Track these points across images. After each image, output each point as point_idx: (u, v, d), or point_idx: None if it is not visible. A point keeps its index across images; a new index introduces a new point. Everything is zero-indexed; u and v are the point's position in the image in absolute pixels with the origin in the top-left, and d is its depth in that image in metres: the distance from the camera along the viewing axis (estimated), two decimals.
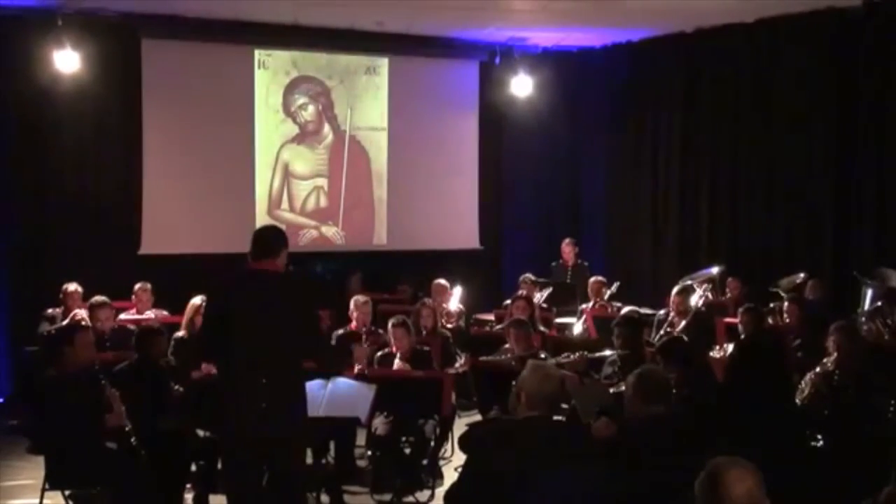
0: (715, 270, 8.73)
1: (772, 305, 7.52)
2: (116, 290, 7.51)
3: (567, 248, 10.01)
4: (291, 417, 4.35)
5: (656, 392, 3.75)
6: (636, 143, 10.56)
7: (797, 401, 5.35)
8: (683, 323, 7.52)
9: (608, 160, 10.86)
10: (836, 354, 5.44)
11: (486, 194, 10.90)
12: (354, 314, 7.11)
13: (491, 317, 8.77)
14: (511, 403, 3.88)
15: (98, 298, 6.98)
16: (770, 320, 7.29)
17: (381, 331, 7.07)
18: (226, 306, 4.41)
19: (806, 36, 8.70)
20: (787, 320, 7.00)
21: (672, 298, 7.74)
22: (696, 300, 7.91)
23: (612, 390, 5.01)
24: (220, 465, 5.87)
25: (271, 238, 4.50)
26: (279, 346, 4.30)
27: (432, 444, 6.02)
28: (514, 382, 3.84)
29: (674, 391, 4.74)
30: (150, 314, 7.60)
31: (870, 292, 7.45)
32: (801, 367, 5.70)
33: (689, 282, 8.31)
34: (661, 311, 8.03)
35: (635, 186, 10.58)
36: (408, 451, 6.00)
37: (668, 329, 7.56)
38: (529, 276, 9.30)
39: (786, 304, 7.18)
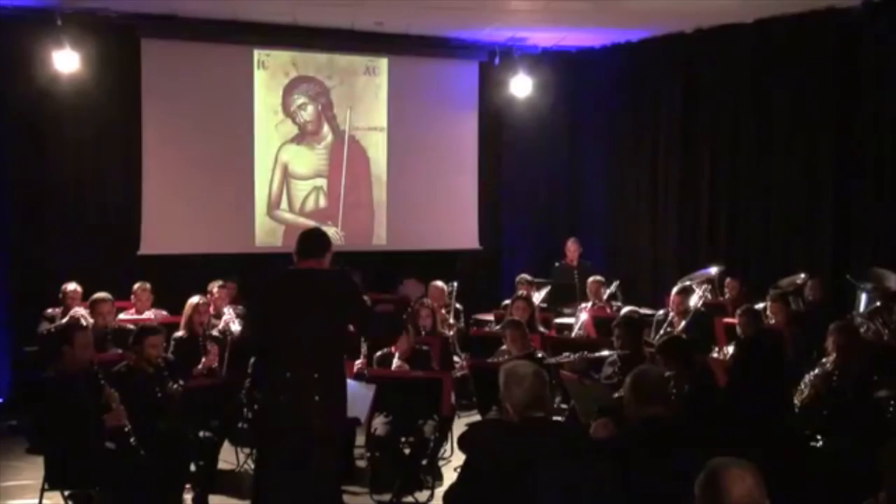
0: (714, 271, 8.73)
1: (760, 306, 7.49)
2: (116, 290, 7.50)
3: (573, 248, 9.96)
4: (340, 412, 4.44)
5: (653, 393, 3.74)
6: (636, 144, 10.55)
7: (797, 402, 5.35)
8: (683, 323, 7.52)
9: (608, 160, 10.85)
10: (835, 355, 5.44)
11: (485, 194, 10.90)
12: None
13: (490, 317, 8.78)
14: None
15: (99, 294, 7.02)
16: None
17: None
18: (274, 305, 4.45)
19: (806, 36, 8.69)
20: (772, 320, 6.99)
21: (672, 298, 7.74)
22: (695, 300, 7.91)
23: (615, 394, 4.97)
24: (220, 465, 5.92)
25: (317, 240, 4.59)
26: (327, 342, 4.37)
27: (432, 444, 6.02)
28: None
29: (674, 391, 4.75)
30: (149, 314, 7.62)
31: (864, 296, 7.45)
32: (791, 365, 5.71)
33: (687, 282, 8.31)
34: (661, 312, 8.04)
35: (635, 186, 10.58)
36: (407, 451, 5.99)
37: (669, 329, 7.57)
38: (525, 276, 9.29)
39: (769, 303, 7.16)
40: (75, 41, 8.57)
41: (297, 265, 4.51)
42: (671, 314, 7.73)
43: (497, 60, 10.41)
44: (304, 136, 10.10)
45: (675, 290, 7.85)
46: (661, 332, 7.59)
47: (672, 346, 5.30)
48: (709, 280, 8.57)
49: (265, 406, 4.56)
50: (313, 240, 4.57)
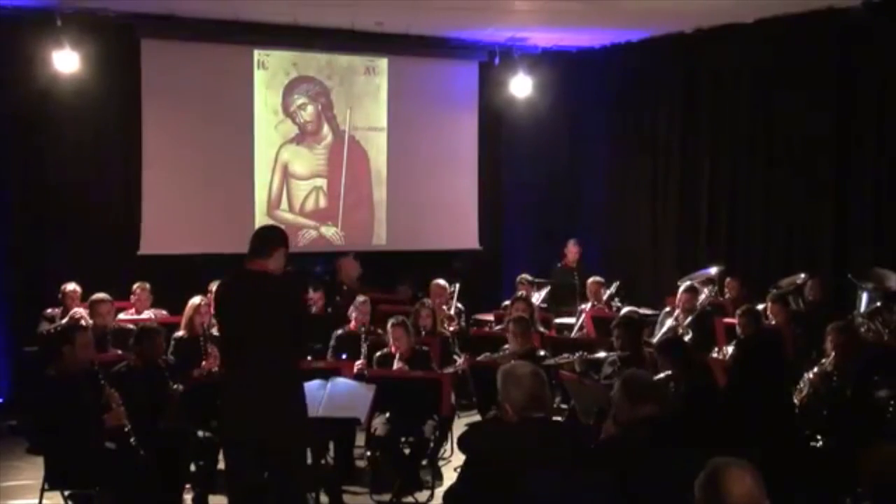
0: (713, 271, 8.73)
1: (761, 306, 7.49)
2: (116, 291, 7.51)
3: (574, 250, 9.89)
4: (288, 418, 4.34)
5: (645, 394, 3.73)
6: (635, 144, 10.55)
7: (796, 401, 5.35)
8: (689, 320, 7.52)
9: (607, 160, 10.85)
10: (833, 355, 5.44)
11: (485, 194, 10.89)
12: (353, 314, 7.11)
13: (490, 317, 8.78)
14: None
15: (98, 295, 7.02)
16: None
17: (380, 331, 7.07)
18: (221, 308, 4.45)
19: (806, 36, 8.69)
20: (773, 321, 6.98)
21: (679, 296, 7.75)
22: (703, 299, 7.91)
23: None
24: (220, 465, 5.92)
25: (265, 238, 4.49)
26: (271, 348, 4.29)
27: (432, 444, 6.02)
28: None
29: (673, 390, 4.75)
30: (149, 314, 7.62)
31: (865, 295, 7.45)
32: (791, 365, 5.72)
33: (688, 282, 8.31)
34: (666, 310, 8.04)
35: (635, 187, 10.58)
36: (407, 451, 6.00)
37: (674, 324, 7.57)
38: (526, 276, 9.29)
39: (769, 304, 7.15)
40: (75, 41, 8.56)
41: (246, 265, 4.42)
42: (677, 312, 7.72)
43: (497, 60, 10.41)
44: (304, 136, 10.10)
45: (682, 287, 7.85)
46: (666, 329, 7.61)
47: (670, 345, 5.31)
48: (709, 280, 8.58)
49: (221, 411, 4.51)
50: (260, 239, 4.47)
